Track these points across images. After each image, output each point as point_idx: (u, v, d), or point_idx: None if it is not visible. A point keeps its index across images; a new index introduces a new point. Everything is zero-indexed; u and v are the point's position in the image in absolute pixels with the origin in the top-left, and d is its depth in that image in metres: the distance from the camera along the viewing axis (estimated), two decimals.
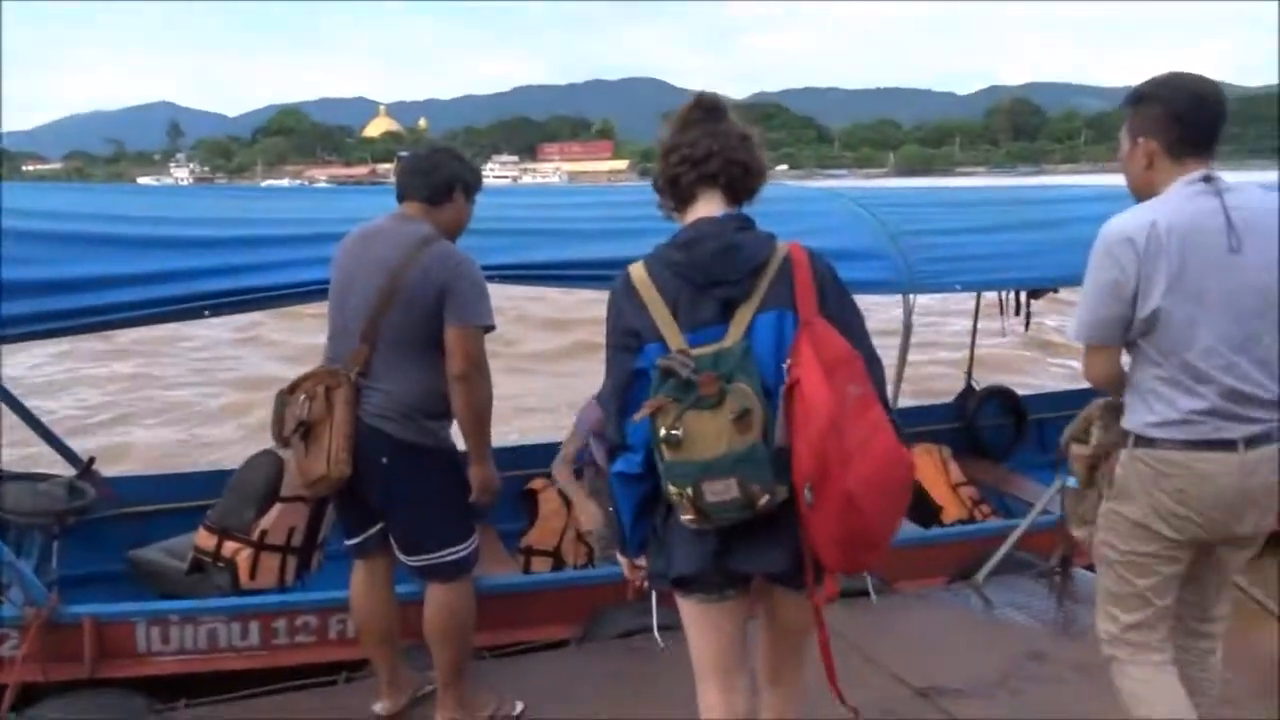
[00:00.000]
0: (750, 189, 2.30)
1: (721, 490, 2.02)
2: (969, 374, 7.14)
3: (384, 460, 3.16)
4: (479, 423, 3.23)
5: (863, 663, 3.89)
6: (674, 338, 2.14)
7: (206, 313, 3.76)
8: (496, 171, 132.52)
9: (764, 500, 2.04)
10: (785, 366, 2.10)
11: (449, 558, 3.29)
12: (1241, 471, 2.48)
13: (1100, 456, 2.83)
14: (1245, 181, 2.78)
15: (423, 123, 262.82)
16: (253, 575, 3.98)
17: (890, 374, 2.75)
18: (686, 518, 2.08)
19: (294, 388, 3.23)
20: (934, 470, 5.97)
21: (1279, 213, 2.50)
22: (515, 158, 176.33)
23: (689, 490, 2.03)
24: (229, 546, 4.01)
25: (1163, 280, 2.44)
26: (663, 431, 2.04)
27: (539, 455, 5.80)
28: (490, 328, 3.19)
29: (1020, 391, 7.29)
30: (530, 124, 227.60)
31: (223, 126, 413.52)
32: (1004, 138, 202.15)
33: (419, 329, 3.13)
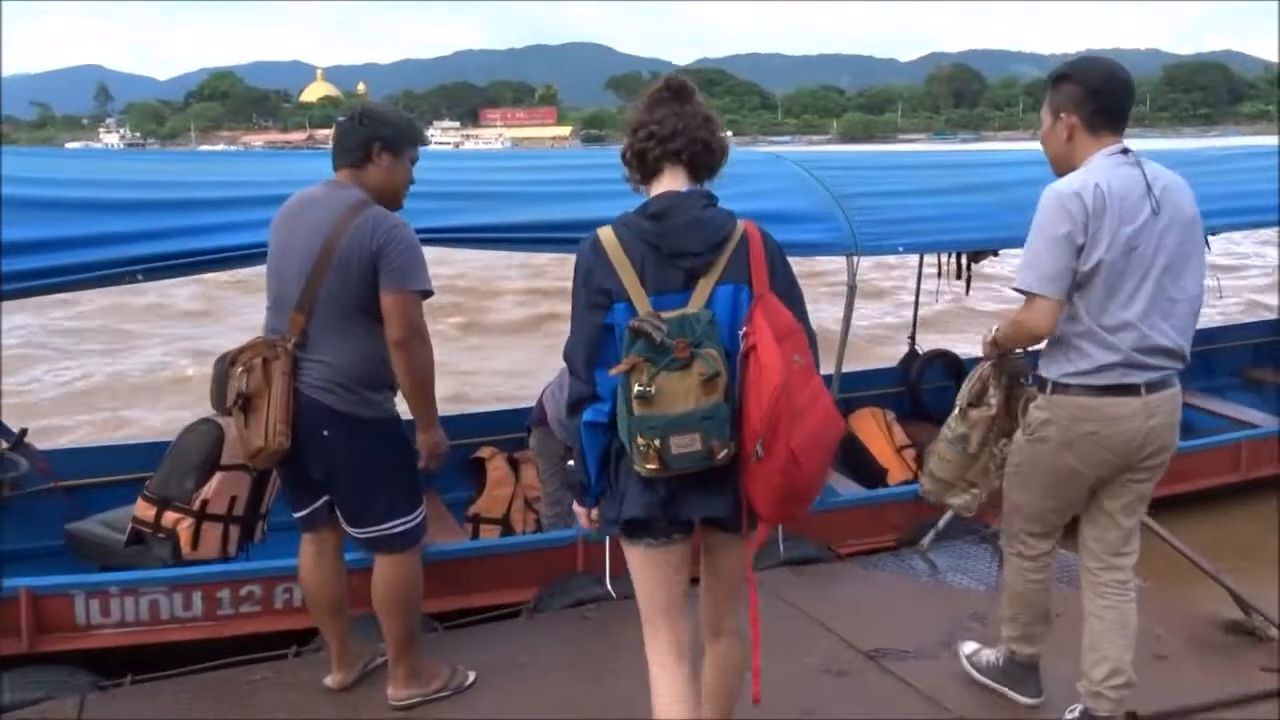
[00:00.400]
0: (711, 166, 2.47)
1: (687, 443, 2.20)
2: (912, 338, 7.21)
3: (325, 433, 3.11)
4: (422, 388, 3.19)
5: (813, 627, 3.96)
6: (640, 300, 2.30)
7: (139, 277, 3.66)
8: (438, 137, 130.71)
9: (722, 454, 2.22)
10: (742, 334, 2.28)
11: (397, 529, 3.25)
12: (1144, 413, 2.85)
13: (999, 416, 3.20)
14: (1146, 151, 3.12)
15: (361, 87, 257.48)
16: (195, 546, 3.89)
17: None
18: (650, 467, 2.22)
19: (234, 359, 3.17)
20: (878, 433, 6.04)
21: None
22: (457, 123, 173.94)
23: (656, 442, 2.19)
24: (169, 516, 3.91)
25: (1107, 235, 2.73)
26: (636, 389, 2.20)
27: (485, 424, 5.78)
28: (428, 293, 3.14)
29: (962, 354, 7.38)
30: (471, 89, 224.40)
31: (153, 90, 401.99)
32: (945, 104, 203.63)
33: (355, 297, 3.07)
